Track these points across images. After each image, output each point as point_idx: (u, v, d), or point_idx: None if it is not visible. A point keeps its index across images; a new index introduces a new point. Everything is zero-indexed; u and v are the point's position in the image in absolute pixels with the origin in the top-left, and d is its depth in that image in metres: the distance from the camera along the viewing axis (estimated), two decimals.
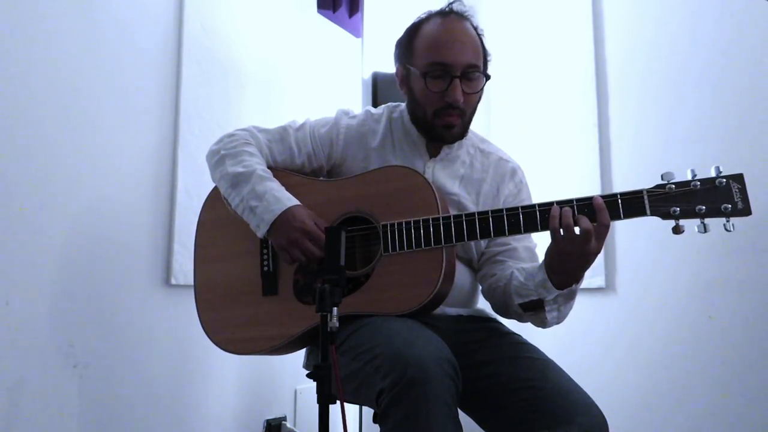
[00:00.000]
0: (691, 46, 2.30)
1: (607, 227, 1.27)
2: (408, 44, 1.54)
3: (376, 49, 2.56)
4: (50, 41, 1.80)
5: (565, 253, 1.29)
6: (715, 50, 2.23)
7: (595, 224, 1.26)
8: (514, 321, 1.53)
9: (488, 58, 1.54)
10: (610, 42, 2.56)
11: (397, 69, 1.59)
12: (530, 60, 2.79)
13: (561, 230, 1.27)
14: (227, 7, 2.33)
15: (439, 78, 1.46)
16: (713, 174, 1.23)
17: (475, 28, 1.53)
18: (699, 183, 1.24)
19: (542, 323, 1.45)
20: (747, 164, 1.32)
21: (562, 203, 1.30)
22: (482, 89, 1.51)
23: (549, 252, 1.34)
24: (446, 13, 1.53)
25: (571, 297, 1.39)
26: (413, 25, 1.56)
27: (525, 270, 1.44)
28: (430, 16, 1.54)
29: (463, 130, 1.54)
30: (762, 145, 2.07)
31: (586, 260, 1.30)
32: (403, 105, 1.63)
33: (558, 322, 1.44)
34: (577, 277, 1.35)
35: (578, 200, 1.30)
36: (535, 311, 1.43)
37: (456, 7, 1.54)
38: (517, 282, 1.43)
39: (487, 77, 1.51)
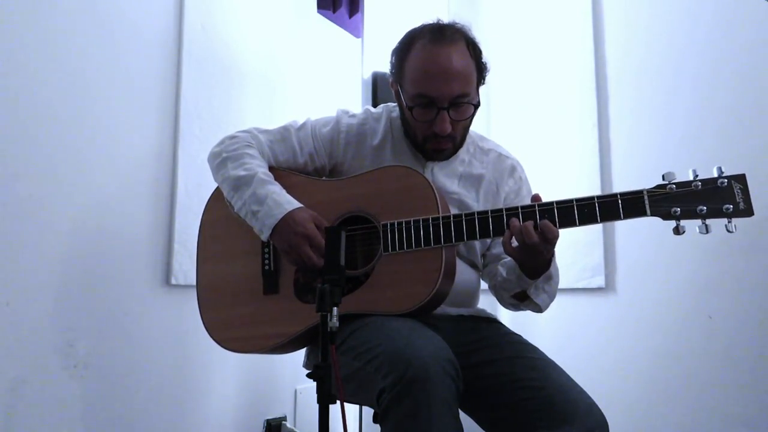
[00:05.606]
0: (691, 46, 2.30)
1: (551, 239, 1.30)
2: (399, 63, 1.48)
3: (376, 49, 2.56)
4: (51, 41, 1.80)
5: (525, 253, 1.34)
6: (715, 50, 2.23)
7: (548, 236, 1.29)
8: (515, 321, 1.53)
9: (485, 73, 1.49)
10: (609, 42, 2.56)
11: (391, 82, 1.55)
12: (530, 60, 2.79)
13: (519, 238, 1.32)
14: (227, 7, 2.33)
15: (426, 108, 1.43)
16: (715, 174, 1.23)
17: (470, 45, 1.45)
18: (700, 183, 1.23)
19: (537, 308, 1.51)
20: (746, 163, 1.31)
21: (561, 203, 1.31)
22: (472, 115, 1.48)
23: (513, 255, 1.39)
24: (438, 33, 1.43)
25: (549, 278, 1.45)
26: (407, 39, 1.48)
27: (506, 264, 1.50)
28: (423, 33, 1.45)
29: (455, 150, 1.54)
30: (761, 144, 2.07)
31: (547, 252, 1.34)
32: None
33: (551, 301, 1.51)
34: (548, 265, 1.40)
35: (578, 200, 1.31)
36: (525, 300, 1.50)
37: (449, 22, 1.45)
38: (500, 278, 1.51)
39: (477, 105, 1.46)
